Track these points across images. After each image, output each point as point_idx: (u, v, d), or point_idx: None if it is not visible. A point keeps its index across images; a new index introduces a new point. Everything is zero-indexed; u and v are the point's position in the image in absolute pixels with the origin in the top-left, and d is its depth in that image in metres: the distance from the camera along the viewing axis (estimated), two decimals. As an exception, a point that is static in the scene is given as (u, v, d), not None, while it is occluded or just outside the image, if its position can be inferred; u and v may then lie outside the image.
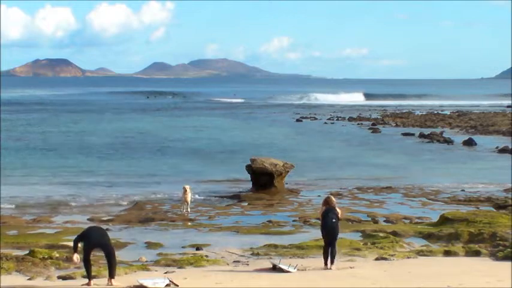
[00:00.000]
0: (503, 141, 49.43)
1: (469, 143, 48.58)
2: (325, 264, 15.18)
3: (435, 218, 22.29)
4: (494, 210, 24.35)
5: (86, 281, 13.60)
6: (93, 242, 13.49)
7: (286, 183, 30.16)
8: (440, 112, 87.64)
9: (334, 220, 15.30)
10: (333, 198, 15.94)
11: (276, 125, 67.17)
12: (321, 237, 15.70)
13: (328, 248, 15.22)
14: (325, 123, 69.90)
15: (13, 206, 25.34)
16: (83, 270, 13.84)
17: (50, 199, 26.83)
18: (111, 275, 13.57)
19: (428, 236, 19.45)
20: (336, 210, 15.47)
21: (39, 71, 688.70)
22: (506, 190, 29.17)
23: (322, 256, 15.45)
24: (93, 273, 14.38)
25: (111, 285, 13.46)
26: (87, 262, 13.49)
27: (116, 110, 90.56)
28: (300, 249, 17.56)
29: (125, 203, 26.46)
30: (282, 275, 14.48)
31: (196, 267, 15.58)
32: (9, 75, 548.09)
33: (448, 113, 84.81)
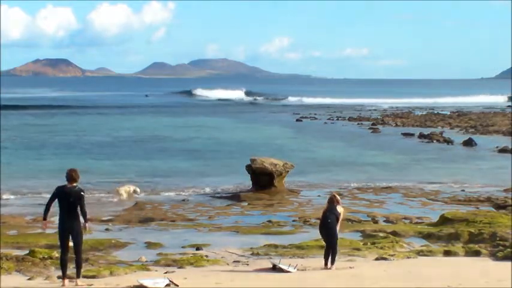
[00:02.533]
0: (503, 141, 49.41)
1: (469, 143, 48.54)
2: (325, 264, 15.17)
3: (435, 218, 22.29)
4: (494, 210, 24.35)
5: (88, 281, 13.57)
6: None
7: (286, 183, 30.14)
8: (440, 112, 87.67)
9: (330, 221, 15.20)
10: (338, 197, 15.71)
11: (276, 124, 67.17)
12: (321, 237, 15.70)
13: (329, 249, 15.20)
14: (325, 123, 69.94)
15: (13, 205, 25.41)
16: (82, 270, 13.80)
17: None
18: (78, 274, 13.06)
19: (428, 236, 19.45)
20: (337, 210, 15.37)
21: (39, 70, 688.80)
22: (506, 190, 29.17)
23: (323, 256, 15.43)
24: (92, 273, 14.40)
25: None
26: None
27: (121, 109, 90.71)
28: (300, 249, 17.56)
29: (125, 203, 26.46)
30: (282, 275, 14.47)
31: (196, 267, 15.57)
32: (9, 75, 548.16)
33: (448, 113, 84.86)
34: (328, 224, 15.23)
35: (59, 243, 13.03)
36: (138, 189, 27.78)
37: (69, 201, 12.66)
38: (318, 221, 22.17)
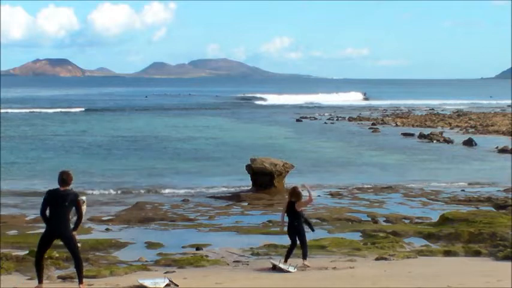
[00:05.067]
0: (503, 141, 49.42)
1: (469, 143, 48.58)
2: (286, 261, 15.17)
3: (435, 218, 22.30)
4: (494, 210, 24.34)
5: (88, 281, 13.52)
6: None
7: (286, 183, 30.11)
8: (440, 112, 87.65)
9: (296, 224, 15.20)
10: (299, 190, 15.45)
11: (276, 124, 67.18)
12: (308, 234, 15.55)
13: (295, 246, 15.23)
14: (325, 123, 69.92)
15: (14, 205, 25.42)
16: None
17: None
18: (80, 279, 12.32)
19: (428, 236, 19.44)
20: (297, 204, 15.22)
21: (39, 70, 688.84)
22: (506, 190, 29.16)
23: (308, 256, 15.40)
24: (92, 273, 14.39)
25: None
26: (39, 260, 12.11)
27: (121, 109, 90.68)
28: (300, 249, 17.52)
29: (125, 202, 26.46)
30: (282, 275, 14.47)
31: (196, 267, 15.57)
32: (8, 75, 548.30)
33: (448, 113, 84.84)
34: (293, 224, 15.27)
35: (38, 245, 12.06)
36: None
37: (63, 205, 11.75)
38: (318, 221, 22.25)
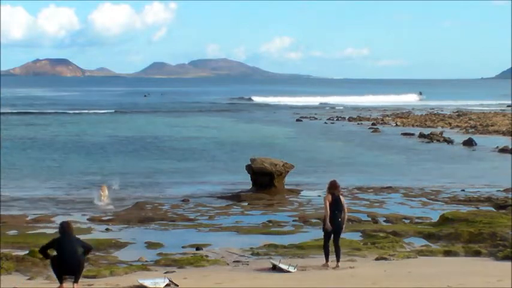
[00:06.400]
0: (503, 141, 49.42)
1: (469, 143, 48.60)
2: (327, 261, 15.23)
3: (435, 218, 22.30)
4: (494, 210, 24.35)
5: (88, 281, 13.54)
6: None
7: (286, 183, 30.11)
8: (440, 112, 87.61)
9: (339, 219, 15.47)
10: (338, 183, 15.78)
11: (276, 124, 67.17)
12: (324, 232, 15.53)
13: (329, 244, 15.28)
14: (325, 123, 69.93)
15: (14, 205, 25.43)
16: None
17: (50, 199, 26.83)
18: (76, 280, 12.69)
19: (428, 236, 19.45)
20: (341, 200, 15.70)
21: (39, 70, 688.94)
22: (506, 190, 29.16)
23: (321, 256, 15.43)
24: (92, 273, 14.40)
25: None
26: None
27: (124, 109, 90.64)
28: (300, 249, 17.56)
29: (125, 202, 26.44)
30: (282, 275, 14.46)
31: (196, 267, 15.57)
32: (8, 75, 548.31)
33: (448, 113, 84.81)
34: (339, 223, 15.45)
35: (55, 266, 12.57)
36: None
37: (77, 253, 12.48)
38: (318, 221, 22.24)
